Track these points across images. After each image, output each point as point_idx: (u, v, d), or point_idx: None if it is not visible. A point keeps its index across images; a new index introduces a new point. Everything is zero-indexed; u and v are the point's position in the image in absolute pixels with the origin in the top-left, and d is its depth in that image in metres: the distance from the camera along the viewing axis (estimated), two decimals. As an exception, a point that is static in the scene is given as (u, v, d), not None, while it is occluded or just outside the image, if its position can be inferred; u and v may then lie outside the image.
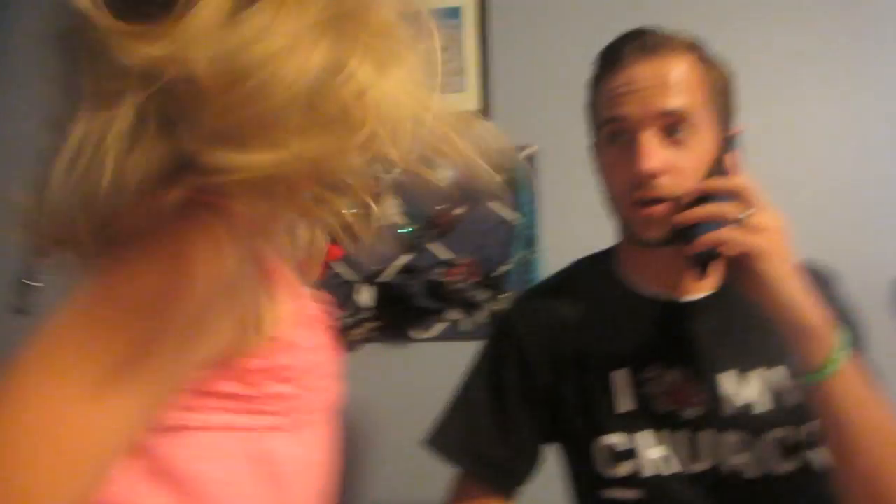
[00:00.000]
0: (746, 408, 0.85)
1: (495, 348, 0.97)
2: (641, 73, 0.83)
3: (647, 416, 0.86)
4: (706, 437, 0.85)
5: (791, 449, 0.84)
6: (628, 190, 0.84)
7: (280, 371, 0.50)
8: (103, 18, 0.39)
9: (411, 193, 1.57)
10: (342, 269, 1.60)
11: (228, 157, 0.39)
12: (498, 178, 0.49)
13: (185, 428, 0.46)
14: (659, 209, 0.82)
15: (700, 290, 0.90)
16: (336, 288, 1.59)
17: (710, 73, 0.85)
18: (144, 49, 0.38)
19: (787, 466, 0.83)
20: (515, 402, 0.93)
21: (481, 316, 1.54)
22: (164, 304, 0.41)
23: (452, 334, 1.55)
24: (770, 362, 0.86)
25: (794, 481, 0.83)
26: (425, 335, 1.57)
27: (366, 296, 1.56)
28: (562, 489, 0.96)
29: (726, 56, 0.89)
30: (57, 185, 0.40)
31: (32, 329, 0.40)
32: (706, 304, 0.89)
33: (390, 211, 1.58)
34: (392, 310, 1.57)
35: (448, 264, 1.56)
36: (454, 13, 1.63)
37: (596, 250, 1.02)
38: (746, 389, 0.86)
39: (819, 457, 0.83)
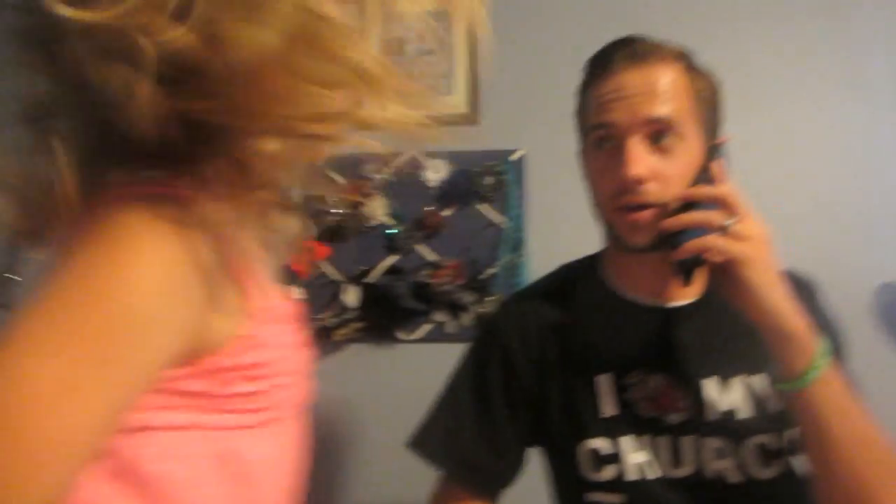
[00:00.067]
0: (729, 414, 0.86)
1: (481, 351, 0.98)
2: (630, 80, 0.83)
3: (631, 421, 0.87)
4: (688, 442, 0.86)
5: (773, 455, 0.84)
6: (614, 195, 0.85)
7: (249, 369, 0.49)
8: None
9: (399, 194, 1.58)
10: (328, 269, 1.59)
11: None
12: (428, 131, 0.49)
13: (150, 428, 0.45)
14: (644, 215, 0.83)
15: (685, 296, 0.90)
16: (322, 288, 1.59)
17: (697, 82, 0.86)
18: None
19: (769, 472, 0.84)
20: (500, 405, 0.93)
21: (467, 318, 1.54)
22: (109, 301, 0.40)
23: (438, 336, 1.55)
24: (753, 369, 0.87)
25: (776, 487, 0.84)
26: (411, 336, 1.57)
27: (352, 296, 1.56)
28: (545, 492, 0.96)
29: (712, 65, 0.90)
30: (22, 172, 0.40)
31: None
32: (690, 310, 0.90)
33: (378, 211, 1.58)
34: (378, 310, 1.56)
35: (435, 266, 1.56)
36: (444, 15, 1.62)
37: (582, 255, 1.02)
38: (729, 395, 0.86)
39: (801, 463, 0.83)
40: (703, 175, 0.83)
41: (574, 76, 0.92)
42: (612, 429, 0.87)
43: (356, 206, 1.56)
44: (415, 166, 1.59)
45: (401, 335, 1.57)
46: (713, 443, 0.85)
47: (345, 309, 1.56)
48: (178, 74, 0.41)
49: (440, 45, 1.61)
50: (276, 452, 0.54)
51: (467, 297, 1.53)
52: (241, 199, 0.47)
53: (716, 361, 0.87)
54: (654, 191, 0.82)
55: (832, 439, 0.76)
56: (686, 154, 0.83)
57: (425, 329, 1.57)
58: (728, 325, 0.86)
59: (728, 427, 0.85)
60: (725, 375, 0.87)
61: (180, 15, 0.40)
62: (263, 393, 0.51)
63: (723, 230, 0.77)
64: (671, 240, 0.81)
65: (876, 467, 0.76)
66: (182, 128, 0.43)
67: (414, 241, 1.58)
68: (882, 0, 1.54)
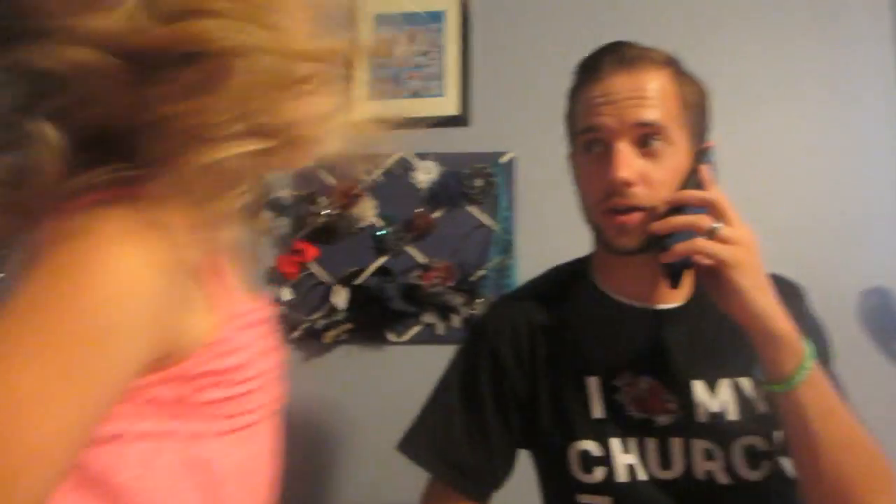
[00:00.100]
0: (717, 415, 0.86)
1: (470, 353, 0.98)
2: (619, 84, 0.84)
3: (620, 423, 0.87)
4: (677, 444, 0.86)
5: (761, 456, 0.85)
6: (602, 198, 0.85)
7: (220, 374, 0.49)
8: None
9: (389, 196, 1.58)
10: (318, 271, 1.59)
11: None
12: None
13: (120, 437, 0.44)
14: (632, 218, 0.84)
15: (673, 298, 0.91)
16: (311, 289, 1.59)
17: (685, 87, 0.87)
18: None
19: (757, 474, 0.85)
20: (489, 407, 0.93)
21: (457, 320, 1.54)
22: (77, 310, 0.40)
23: (428, 338, 1.55)
24: (740, 371, 0.87)
25: (764, 488, 0.85)
26: (401, 338, 1.57)
27: (341, 298, 1.55)
28: (535, 494, 0.96)
29: (699, 70, 0.91)
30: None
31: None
32: (679, 312, 0.91)
33: (368, 213, 1.58)
34: (367, 312, 1.56)
35: (424, 268, 1.56)
36: (437, 17, 1.63)
37: (572, 257, 1.03)
38: (717, 397, 0.87)
39: (789, 464, 0.84)
40: (691, 179, 0.84)
41: (564, 80, 0.93)
42: (602, 430, 0.87)
43: (346, 207, 1.55)
44: (405, 168, 1.59)
45: (390, 337, 1.57)
46: (702, 444, 0.85)
47: (334, 310, 1.56)
48: (148, 72, 0.40)
49: (431, 47, 1.61)
50: (249, 458, 0.53)
51: (457, 299, 1.53)
52: (210, 203, 0.46)
53: (704, 363, 0.88)
54: (641, 194, 0.83)
55: (818, 441, 0.76)
56: (673, 158, 0.84)
57: (415, 331, 1.57)
58: (716, 328, 0.87)
59: (716, 428, 0.86)
60: (714, 377, 0.88)
61: (148, 7, 0.40)
62: (236, 398, 0.50)
63: (711, 233, 0.78)
64: (660, 243, 0.82)
65: (861, 469, 0.77)
66: (150, 129, 0.42)
67: (404, 242, 1.58)
68: (869, 5, 1.56)
